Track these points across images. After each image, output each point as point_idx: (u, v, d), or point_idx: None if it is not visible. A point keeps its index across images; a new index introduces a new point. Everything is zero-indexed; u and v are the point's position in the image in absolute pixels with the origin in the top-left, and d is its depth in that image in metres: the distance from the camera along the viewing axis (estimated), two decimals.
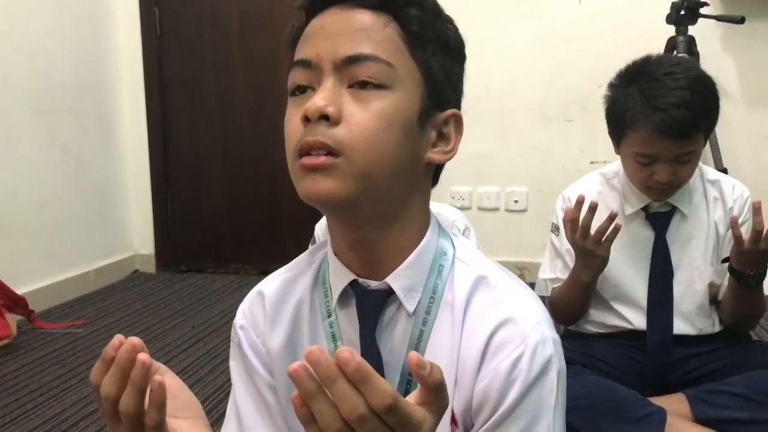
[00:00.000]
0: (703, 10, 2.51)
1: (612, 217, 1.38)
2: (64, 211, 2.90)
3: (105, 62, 3.15)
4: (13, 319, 2.32)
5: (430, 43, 0.70)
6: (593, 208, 1.38)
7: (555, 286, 1.59)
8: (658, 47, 2.58)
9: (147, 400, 0.57)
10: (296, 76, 0.68)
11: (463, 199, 3.07)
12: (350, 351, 0.47)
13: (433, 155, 0.71)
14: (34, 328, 2.45)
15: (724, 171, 2.62)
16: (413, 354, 0.50)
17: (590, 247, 1.39)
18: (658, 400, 1.45)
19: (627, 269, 1.54)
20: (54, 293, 2.77)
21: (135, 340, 0.58)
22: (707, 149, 2.69)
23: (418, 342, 0.71)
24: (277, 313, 0.78)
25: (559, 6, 2.87)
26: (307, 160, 0.64)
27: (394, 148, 0.66)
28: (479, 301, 0.70)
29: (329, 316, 0.75)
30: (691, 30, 2.54)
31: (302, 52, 0.69)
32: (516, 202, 3.00)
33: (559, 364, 0.68)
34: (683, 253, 1.51)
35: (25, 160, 2.69)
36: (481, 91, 2.98)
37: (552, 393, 0.66)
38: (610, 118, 1.45)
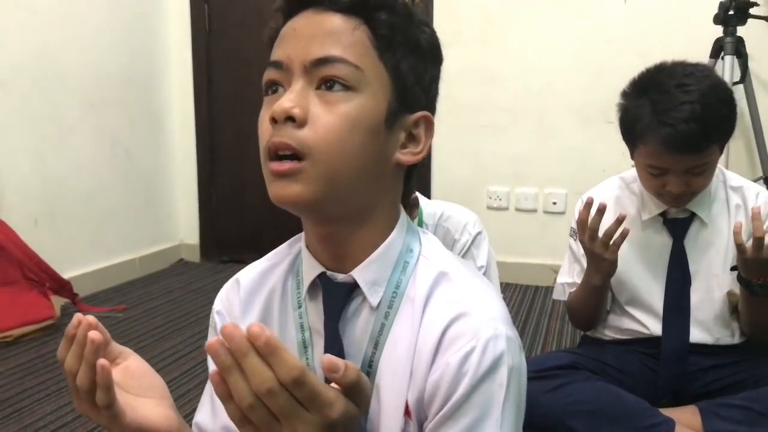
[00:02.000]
0: (753, 11, 2.42)
1: (620, 221, 1.36)
2: (112, 201, 3.03)
3: (155, 58, 3.26)
4: (57, 301, 2.45)
5: (400, 46, 0.70)
6: (602, 210, 1.36)
7: (572, 290, 1.58)
8: (704, 48, 2.51)
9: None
10: (269, 77, 0.71)
11: (500, 200, 3.04)
12: (261, 326, 0.50)
13: (402, 156, 0.72)
14: (77, 310, 2.57)
15: None
16: (324, 358, 0.52)
17: (598, 251, 1.38)
18: (669, 411, 1.42)
19: (644, 275, 1.51)
20: (99, 279, 2.90)
21: (91, 318, 0.62)
22: (755, 153, 2.61)
23: (379, 334, 0.72)
24: (251, 300, 0.80)
25: (603, 5, 2.81)
26: (274, 166, 0.66)
27: (359, 150, 0.67)
28: (438, 296, 0.71)
29: (300, 306, 0.77)
30: (740, 31, 2.45)
31: (276, 53, 0.71)
32: (554, 204, 2.96)
33: (511, 361, 0.67)
34: (702, 260, 1.48)
35: (76, 151, 2.82)
36: (521, 91, 2.95)
37: (502, 389, 0.66)
38: (622, 127, 1.42)
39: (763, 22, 2.46)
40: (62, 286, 2.52)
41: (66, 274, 2.60)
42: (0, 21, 2.44)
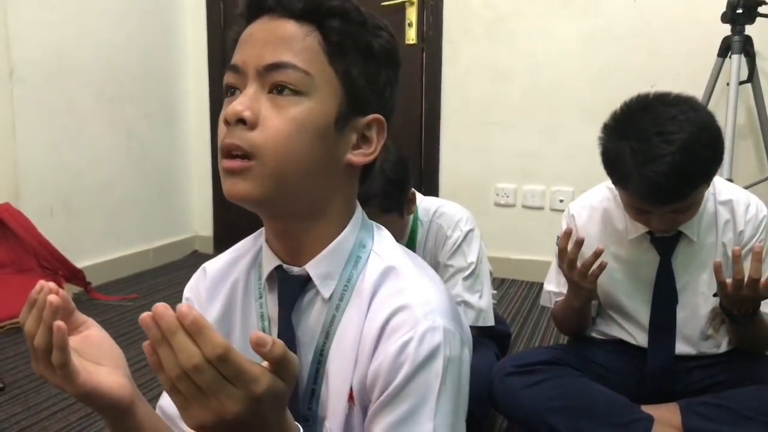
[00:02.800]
0: (761, 9, 2.40)
1: (597, 254, 1.35)
2: (127, 192, 3.11)
3: (171, 53, 3.33)
4: (70, 289, 2.53)
5: (351, 51, 0.73)
6: (579, 243, 1.36)
7: (558, 299, 1.59)
8: (713, 46, 2.49)
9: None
10: (227, 80, 0.74)
11: (507, 197, 3.06)
12: (188, 306, 0.54)
13: (354, 157, 0.75)
14: (90, 298, 2.65)
15: None
16: (252, 333, 0.56)
17: (576, 279, 1.38)
18: (650, 409, 1.43)
19: (630, 291, 1.51)
20: (113, 268, 2.99)
21: (51, 284, 0.67)
22: (763, 152, 2.58)
23: (330, 325, 0.76)
24: (216, 289, 0.85)
25: (612, 3, 2.80)
26: (226, 164, 0.70)
27: (307, 151, 0.70)
28: (385, 289, 0.74)
29: (260, 297, 0.81)
30: (749, 29, 2.43)
31: (234, 57, 0.74)
32: (561, 201, 2.96)
33: (449, 352, 0.69)
34: (689, 277, 1.46)
35: (92, 143, 2.90)
36: (530, 88, 2.96)
37: (438, 378, 0.68)
38: (604, 163, 1.36)
39: None
40: (75, 275, 2.60)
41: (80, 264, 2.68)
42: (18, 17, 2.52)
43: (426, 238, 1.63)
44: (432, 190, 3.14)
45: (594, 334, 1.60)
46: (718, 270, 1.28)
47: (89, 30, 2.84)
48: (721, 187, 1.48)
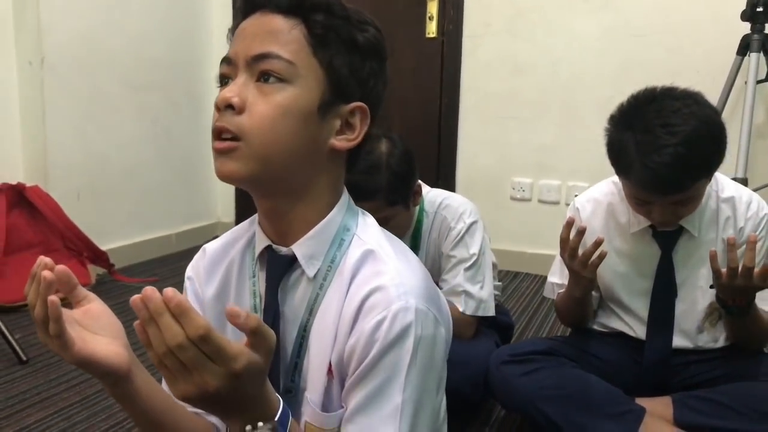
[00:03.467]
0: None
1: (597, 243, 1.38)
2: (152, 178, 3.20)
3: (197, 43, 3.40)
4: (93, 270, 2.64)
5: (334, 43, 0.78)
6: (581, 233, 1.38)
7: (560, 291, 1.61)
8: (733, 44, 2.48)
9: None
10: (221, 71, 0.80)
11: (523, 191, 3.08)
12: (173, 290, 0.60)
13: (337, 142, 0.80)
14: (113, 279, 2.75)
15: None
16: (228, 306, 0.61)
17: (577, 268, 1.41)
18: (644, 401, 1.46)
19: (631, 283, 1.53)
20: (136, 252, 3.08)
21: (48, 260, 0.72)
22: None
23: (314, 303, 0.81)
24: (214, 268, 0.91)
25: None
26: (216, 145, 0.76)
27: (291, 134, 0.76)
28: (364, 271, 0.79)
29: (254, 275, 0.87)
30: None
31: (229, 50, 0.80)
32: (577, 196, 2.96)
33: (420, 331, 0.74)
34: (688, 272, 1.48)
35: (118, 129, 2.99)
36: (548, 83, 2.97)
37: (408, 355, 0.73)
38: (609, 154, 1.40)
39: None
40: (99, 256, 2.70)
41: (104, 246, 2.78)
42: (50, 6, 2.61)
43: (431, 229, 1.67)
44: (449, 183, 3.17)
45: (595, 326, 1.63)
46: (713, 258, 1.31)
47: (118, 19, 2.93)
48: (723, 184, 1.50)
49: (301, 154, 0.77)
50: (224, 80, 0.79)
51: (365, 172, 1.43)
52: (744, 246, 1.39)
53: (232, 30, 0.83)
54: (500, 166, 3.10)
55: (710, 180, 1.40)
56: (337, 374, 0.78)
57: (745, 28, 2.44)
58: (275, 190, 0.80)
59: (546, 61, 2.97)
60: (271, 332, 0.64)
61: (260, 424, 0.65)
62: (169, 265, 3.07)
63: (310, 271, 0.81)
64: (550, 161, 3.01)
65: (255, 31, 0.77)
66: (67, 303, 0.75)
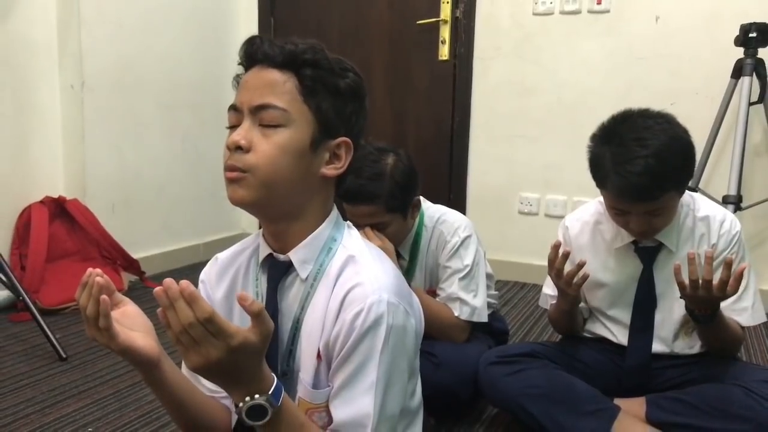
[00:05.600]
0: None
1: (580, 265, 1.52)
2: (181, 192, 3.41)
3: (224, 65, 3.60)
4: (126, 277, 2.84)
5: (321, 91, 0.95)
6: (566, 255, 1.52)
7: (553, 302, 1.75)
8: (729, 68, 2.61)
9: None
10: (229, 117, 0.98)
11: (530, 205, 3.22)
12: (187, 282, 0.77)
13: (327, 171, 0.98)
14: (144, 286, 2.96)
15: None
16: (239, 293, 0.78)
17: (562, 287, 1.56)
18: (621, 401, 1.59)
19: (616, 294, 1.67)
20: (166, 260, 3.29)
21: (98, 270, 0.90)
22: None
23: (305, 299, 0.98)
24: (223, 274, 1.09)
25: (635, 24, 2.93)
26: (228, 174, 0.94)
27: (288, 167, 0.93)
28: (346, 273, 0.96)
29: (257, 279, 1.05)
30: (762, 52, 2.53)
31: (235, 98, 0.98)
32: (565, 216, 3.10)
33: (392, 320, 0.90)
34: (667, 285, 1.59)
35: (150, 147, 3.21)
36: (555, 104, 3.11)
37: (380, 340, 0.90)
38: (590, 169, 1.56)
39: None
40: (131, 264, 2.91)
41: (137, 255, 2.99)
42: (90, 33, 2.84)
43: (429, 241, 1.82)
44: (460, 197, 3.33)
45: (584, 333, 1.77)
46: (677, 272, 1.43)
47: (152, 45, 3.16)
48: (700, 204, 1.64)
49: (297, 182, 0.95)
50: (233, 126, 0.96)
51: (370, 178, 1.60)
52: (718, 261, 1.52)
53: (237, 80, 1.01)
54: (509, 182, 3.25)
55: (681, 195, 1.53)
56: (325, 358, 0.95)
57: (739, 52, 2.56)
58: (276, 212, 0.97)
59: (553, 82, 3.12)
60: (270, 320, 0.81)
61: (257, 396, 0.83)
62: (196, 272, 3.18)
63: (303, 274, 0.98)
64: (556, 177, 3.14)
65: (256, 84, 0.95)
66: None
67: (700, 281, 1.40)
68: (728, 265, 1.37)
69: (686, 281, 1.42)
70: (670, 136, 1.45)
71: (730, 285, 1.38)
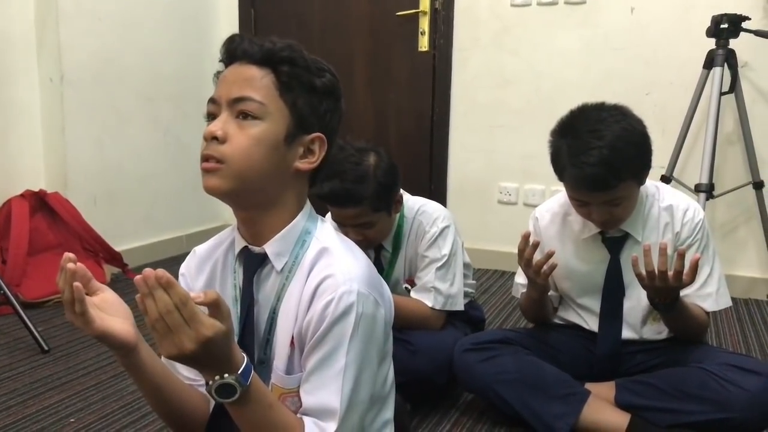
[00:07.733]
0: (745, 24, 2.54)
1: (549, 255, 1.56)
2: (163, 184, 3.42)
3: (205, 59, 3.60)
4: (108, 269, 2.86)
5: (297, 88, 0.98)
6: (535, 246, 1.57)
7: (524, 291, 1.79)
8: (702, 58, 2.65)
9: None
10: (208, 108, 1.01)
11: (510, 195, 3.26)
12: (164, 271, 0.80)
13: (300, 165, 1.01)
14: (126, 278, 2.97)
15: (760, 184, 2.66)
16: (192, 294, 0.81)
17: (531, 276, 1.60)
18: (591, 385, 1.65)
19: (585, 283, 1.71)
20: (149, 252, 3.30)
21: (71, 255, 0.93)
22: (745, 161, 2.73)
23: (281, 290, 1.01)
24: (201, 266, 1.12)
25: (611, 16, 2.97)
26: (203, 165, 0.97)
27: (262, 159, 0.96)
28: (319, 264, 0.99)
29: (234, 271, 1.08)
30: (734, 42, 2.58)
31: (214, 92, 1.01)
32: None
33: (361, 309, 0.93)
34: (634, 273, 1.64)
35: (133, 139, 3.22)
36: (533, 94, 3.15)
37: (350, 328, 0.93)
38: (551, 161, 1.60)
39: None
40: (114, 257, 2.92)
41: (119, 248, 3.00)
42: (69, 27, 2.84)
43: (409, 232, 1.86)
44: (441, 187, 3.37)
45: (555, 320, 1.82)
46: (634, 264, 1.48)
47: (132, 38, 3.16)
48: (664, 194, 1.68)
49: (270, 174, 0.98)
50: (211, 117, 0.99)
51: (355, 181, 1.64)
52: (688, 249, 1.56)
53: (217, 76, 1.04)
54: (488, 172, 3.29)
55: (640, 184, 1.58)
56: (298, 345, 0.99)
57: (712, 43, 2.61)
58: (250, 202, 1.00)
59: (531, 73, 3.16)
60: (225, 301, 0.85)
61: (226, 375, 0.86)
62: (179, 264, 3.20)
63: (278, 265, 1.01)
64: (534, 167, 3.18)
65: (234, 78, 0.98)
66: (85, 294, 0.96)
67: (656, 272, 1.44)
68: (681, 255, 1.42)
69: (644, 272, 1.46)
70: (624, 128, 1.50)
71: (685, 275, 1.42)
